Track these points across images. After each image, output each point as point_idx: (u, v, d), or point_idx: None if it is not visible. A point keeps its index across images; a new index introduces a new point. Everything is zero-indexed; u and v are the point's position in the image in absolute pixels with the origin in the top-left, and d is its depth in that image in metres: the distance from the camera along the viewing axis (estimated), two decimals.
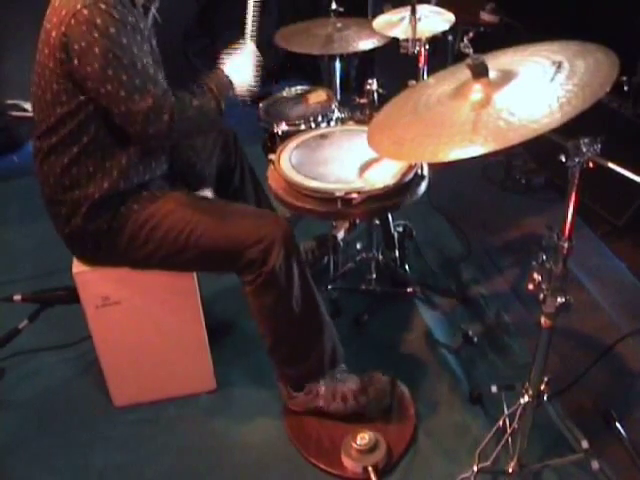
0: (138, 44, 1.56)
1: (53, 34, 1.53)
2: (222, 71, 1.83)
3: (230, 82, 1.82)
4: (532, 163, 3.20)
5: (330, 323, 1.85)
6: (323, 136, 2.05)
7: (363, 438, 1.76)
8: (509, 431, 1.66)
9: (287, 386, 1.90)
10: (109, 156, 1.67)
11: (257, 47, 1.98)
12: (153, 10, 1.76)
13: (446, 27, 2.05)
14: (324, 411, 1.89)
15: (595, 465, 1.64)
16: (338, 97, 2.44)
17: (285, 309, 1.74)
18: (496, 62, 1.31)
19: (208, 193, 2.08)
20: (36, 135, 1.70)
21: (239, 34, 1.93)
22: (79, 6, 1.47)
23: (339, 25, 2.37)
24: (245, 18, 1.94)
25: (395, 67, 2.39)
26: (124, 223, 1.72)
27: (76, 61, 1.51)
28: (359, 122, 2.20)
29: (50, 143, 1.66)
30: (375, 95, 2.14)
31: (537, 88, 1.20)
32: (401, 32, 2.04)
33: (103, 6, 1.48)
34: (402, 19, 2.09)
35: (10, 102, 3.66)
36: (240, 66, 1.87)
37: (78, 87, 1.57)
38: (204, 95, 1.72)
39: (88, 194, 1.68)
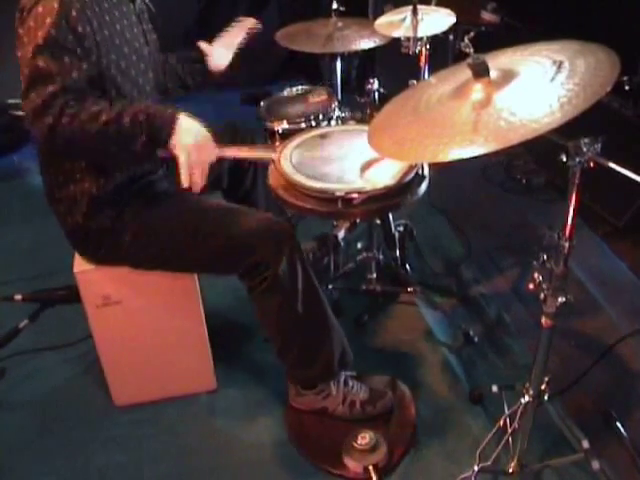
0: (73, 42, 1.48)
1: (17, 23, 1.52)
2: (176, 116, 1.54)
3: (174, 124, 1.53)
4: (532, 163, 3.20)
5: (337, 325, 1.85)
6: (324, 136, 2.05)
7: (364, 438, 1.76)
8: (509, 431, 1.66)
9: (296, 385, 1.90)
10: None
11: (257, 47, 1.98)
12: None
13: (447, 26, 2.05)
14: (328, 413, 1.90)
15: (595, 465, 1.64)
16: (339, 96, 2.44)
17: (290, 313, 1.74)
18: (497, 62, 1.31)
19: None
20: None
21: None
22: None
23: (340, 24, 2.37)
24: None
25: (396, 66, 2.40)
26: (128, 223, 1.72)
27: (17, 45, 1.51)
28: (360, 121, 2.20)
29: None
30: (376, 94, 2.14)
31: (538, 88, 1.20)
32: (402, 32, 2.04)
33: None
34: (403, 19, 2.09)
35: (11, 101, 3.67)
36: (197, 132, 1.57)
37: None
38: (133, 120, 1.48)
39: (84, 189, 1.67)
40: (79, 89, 1.49)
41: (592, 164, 1.24)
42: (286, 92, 2.47)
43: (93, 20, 1.53)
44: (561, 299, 1.41)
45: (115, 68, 1.60)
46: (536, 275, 1.42)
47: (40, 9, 1.46)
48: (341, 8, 2.39)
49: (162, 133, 1.51)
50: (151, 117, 1.50)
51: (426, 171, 1.86)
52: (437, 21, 2.08)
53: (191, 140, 1.54)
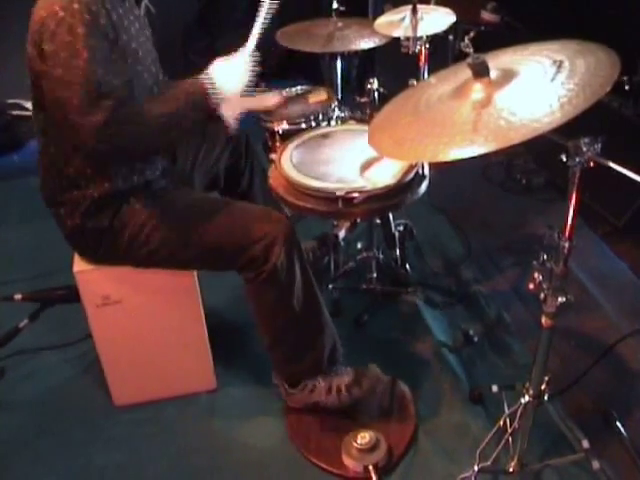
0: (108, 48, 1.50)
1: (36, 37, 1.50)
2: (206, 77, 1.62)
3: (210, 89, 1.61)
4: (532, 163, 3.20)
5: (330, 322, 1.85)
6: (324, 135, 2.05)
7: (364, 437, 1.76)
8: (510, 431, 1.66)
9: (284, 383, 1.90)
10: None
11: (258, 46, 1.96)
12: (145, 1, 1.75)
13: (446, 25, 2.05)
14: (321, 406, 1.89)
15: (596, 465, 1.64)
16: (339, 96, 2.44)
17: (286, 307, 1.74)
18: (497, 61, 1.31)
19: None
20: (36, 135, 1.69)
21: (240, 34, 1.92)
22: (56, 7, 1.44)
23: (340, 24, 2.37)
24: (247, 19, 1.93)
25: (396, 66, 2.39)
26: (126, 222, 1.72)
27: (47, 63, 1.48)
28: (360, 121, 2.20)
29: (45, 143, 1.66)
30: (376, 94, 2.14)
31: (538, 87, 1.20)
32: (402, 32, 2.04)
33: (77, 6, 1.44)
34: (403, 19, 2.09)
35: (11, 101, 3.67)
36: (232, 71, 1.69)
37: None
38: (179, 101, 1.57)
39: (87, 194, 1.68)
40: (125, 95, 1.52)
41: (592, 164, 1.24)
42: (286, 92, 2.47)
43: (115, 25, 1.54)
44: (561, 299, 1.41)
45: (132, 71, 1.61)
46: (536, 275, 1.42)
47: (69, 20, 1.43)
48: (341, 8, 2.39)
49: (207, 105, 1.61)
50: (190, 95, 1.59)
51: (426, 171, 1.87)
52: (437, 20, 2.08)
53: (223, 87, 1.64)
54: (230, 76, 1.66)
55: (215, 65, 1.65)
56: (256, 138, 2.35)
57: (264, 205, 2.19)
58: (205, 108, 1.61)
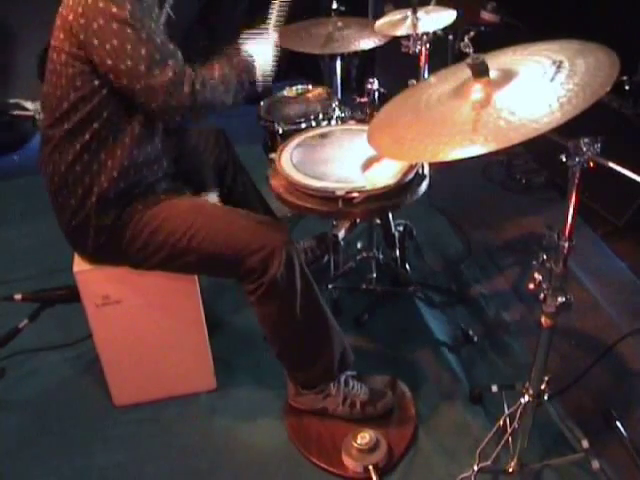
0: (154, 20, 1.57)
1: (70, 17, 1.52)
2: (245, 51, 1.79)
3: (253, 63, 1.78)
4: (532, 163, 3.20)
5: (337, 327, 1.85)
6: (324, 135, 2.05)
7: (364, 437, 1.76)
8: (509, 430, 1.66)
9: (297, 384, 1.90)
10: (120, 142, 1.66)
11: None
12: (167, 7, 1.77)
13: (448, 22, 2.05)
14: (328, 413, 1.90)
15: (595, 464, 1.64)
16: (339, 96, 2.44)
17: (289, 317, 1.74)
18: (496, 61, 1.31)
19: (213, 196, 2.08)
20: (46, 124, 1.68)
21: (240, 34, 1.92)
22: None
23: (340, 24, 2.37)
24: (247, 19, 1.94)
25: (396, 66, 2.40)
26: (127, 222, 1.72)
27: (95, 40, 1.50)
28: (360, 121, 2.20)
29: (62, 130, 1.64)
30: (376, 94, 2.14)
31: (537, 87, 1.20)
32: (404, 31, 2.04)
33: None
34: (404, 18, 2.09)
35: (11, 101, 3.67)
36: (262, 50, 1.83)
37: (95, 70, 1.56)
38: (226, 68, 1.71)
39: (100, 182, 1.67)
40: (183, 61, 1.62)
41: (592, 164, 1.24)
42: (286, 92, 2.47)
43: (146, 7, 1.58)
44: (561, 299, 1.41)
45: None
46: (536, 275, 1.42)
47: None
48: (341, 8, 2.39)
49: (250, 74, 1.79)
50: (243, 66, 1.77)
51: (426, 170, 1.86)
52: (437, 18, 2.08)
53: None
54: (263, 55, 1.82)
55: (250, 45, 1.81)
56: (256, 138, 2.36)
57: (250, 200, 2.20)
58: (248, 81, 1.75)
